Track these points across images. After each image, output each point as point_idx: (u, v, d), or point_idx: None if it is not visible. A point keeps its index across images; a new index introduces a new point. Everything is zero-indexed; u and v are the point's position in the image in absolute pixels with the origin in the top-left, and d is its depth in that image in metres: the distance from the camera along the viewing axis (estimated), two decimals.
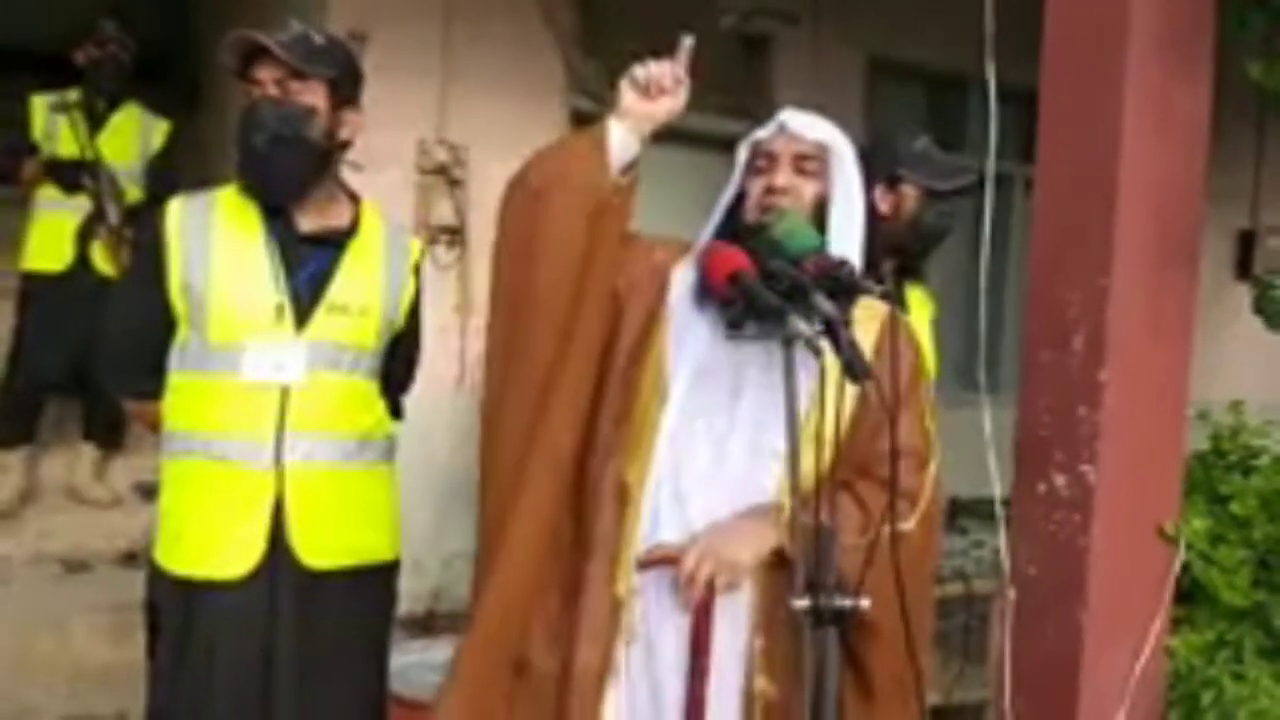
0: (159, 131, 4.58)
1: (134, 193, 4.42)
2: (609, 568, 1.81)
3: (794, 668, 1.72)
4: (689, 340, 1.84)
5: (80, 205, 4.30)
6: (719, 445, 1.81)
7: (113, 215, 4.30)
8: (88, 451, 4.45)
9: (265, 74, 2.13)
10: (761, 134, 1.91)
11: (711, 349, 1.83)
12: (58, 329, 4.20)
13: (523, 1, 4.81)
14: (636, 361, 1.85)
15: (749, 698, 1.80)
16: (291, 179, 2.16)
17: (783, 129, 1.89)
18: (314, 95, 2.15)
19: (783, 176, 1.85)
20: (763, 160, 1.88)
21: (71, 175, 4.29)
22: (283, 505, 2.13)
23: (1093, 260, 2.28)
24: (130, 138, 4.47)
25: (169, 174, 4.51)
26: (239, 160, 2.16)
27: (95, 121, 4.38)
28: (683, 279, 1.87)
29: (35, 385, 4.34)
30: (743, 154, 1.92)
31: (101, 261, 4.31)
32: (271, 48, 2.10)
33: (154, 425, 2.27)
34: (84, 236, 4.30)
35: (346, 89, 2.20)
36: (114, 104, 4.47)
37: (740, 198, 1.90)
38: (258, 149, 2.11)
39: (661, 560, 1.78)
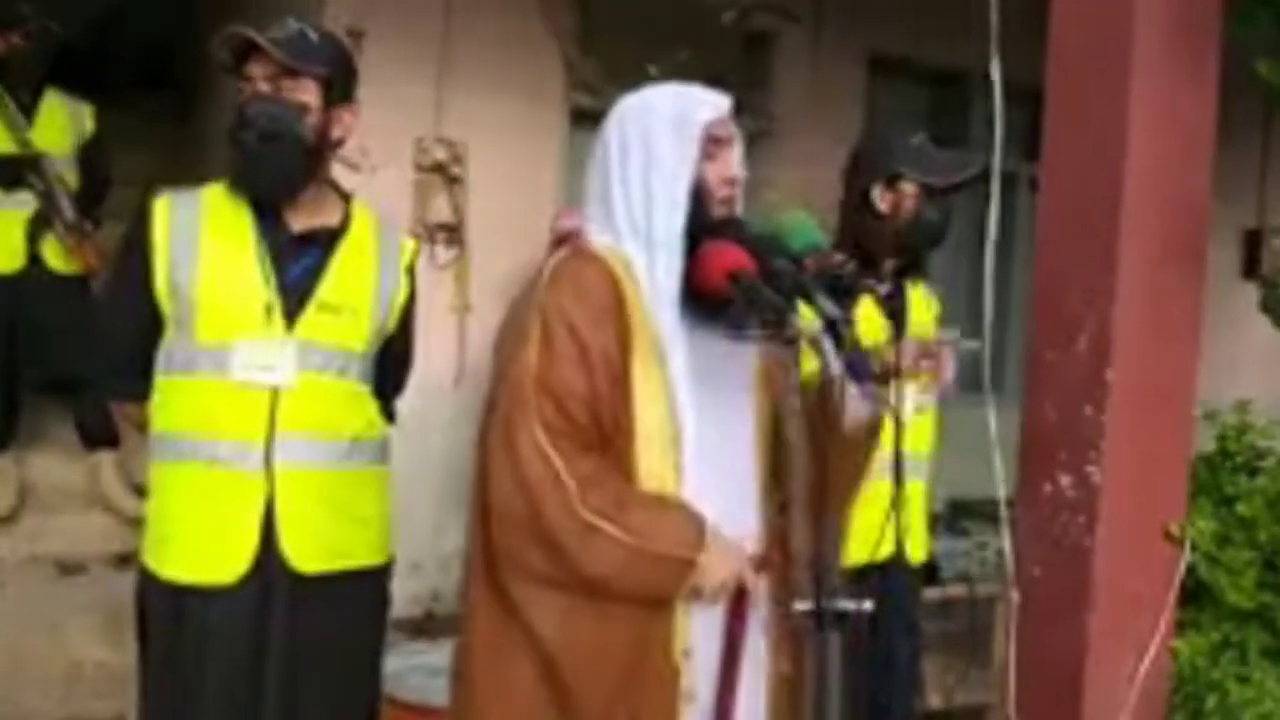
0: (88, 115, 4.41)
1: (70, 181, 4.28)
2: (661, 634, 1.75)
3: (799, 648, 1.77)
4: (681, 356, 1.74)
5: (23, 201, 4.16)
6: (726, 439, 1.79)
7: (68, 211, 4.19)
8: (106, 459, 4.38)
9: (257, 71, 2.10)
10: (710, 115, 1.79)
11: (696, 351, 1.78)
12: (19, 330, 4.12)
13: None
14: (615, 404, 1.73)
15: (771, 678, 1.82)
16: (281, 177, 2.14)
17: (729, 111, 1.80)
18: (306, 93, 2.12)
19: (738, 166, 1.79)
20: (713, 145, 1.77)
21: (9, 171, 4.14)
22: (273, 509, 2.10)
23: (1098, 259, 2.26)
24: (62, 126, 4.32)
25: (104, 159, 4.43)
26: (231, 156, 2.14)
27: (24, 113, 4.20)
28: (636, 291, 1.74)
29: (3, 388, 4.26)
30: (696, 133, 1.76)
31: (55, 259, 4.20)
32: (262, 44, 2.07)
33: (141, 427, 2.24)
34: (33, 234, 4.17)
35: (340, 87, 2.18)
36: (36, 92, 4.27)
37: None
38: (248, 146, 2.09)
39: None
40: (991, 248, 2.37)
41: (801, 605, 1.58)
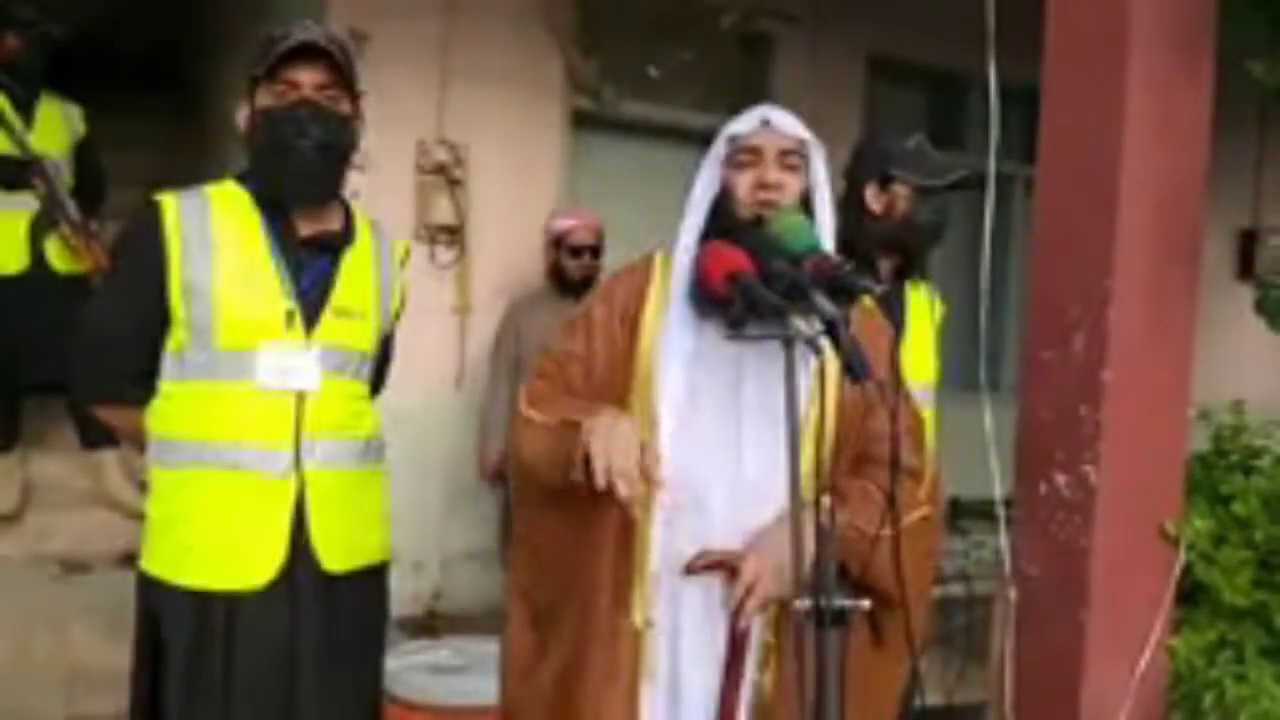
0: (79, 117, 4.41)
1: (69, 182, 4.28)
2: (622, 599, 1.81)
3: (793, 669, 1.75)
4: (676, 348, 1.84)
5: (25, 202, 4.15)
6: (730, 443, 1.82)
7: (71, 210, 4.18)
8: (110, 457, 4.38)
9: (307, 77, 2.08)
10: (741, 128, 1.90)
11: (706, 349, 1.83)
12: (22, 331, 4.10)
13: (522, 0, 4.81)
14: (615, 385, 1.85)
15: (753, 689, 1.84)
16: (325, 187, 2.15)
17: (766, 124, 1.89)
18: (346, 103, 2.13)
19: (773, 172, 1.85)
20: (746, 155, 1.88)
21: (11, 173, 4.13)
22: (304, 511, 2.10)
23: (1094, 260, 2.27)
24: (58, 128, 4.31)
25: (97, 159, 4.44)
26: (261, 160, 2.12)
27: (23, 114, 4.18)
28: (661, 291, 1.88)
29: (5, 389, 4.27)
30: (721, 149, 1.92)
31: (57, 259, 4.20)
32: (333, 53, 2.07)
33: (131, 434, 2.22)
34: (36, 235, 4.16)
35: (359, 98, 2.19)
36: (32, 94, 4.24)
37: (721, 194, 1.90)
38: (301, 154, 2.06)
39: (711, 566, 1.79)
40: (988, 248, 2.38)
41: (801, 603, 1.58)
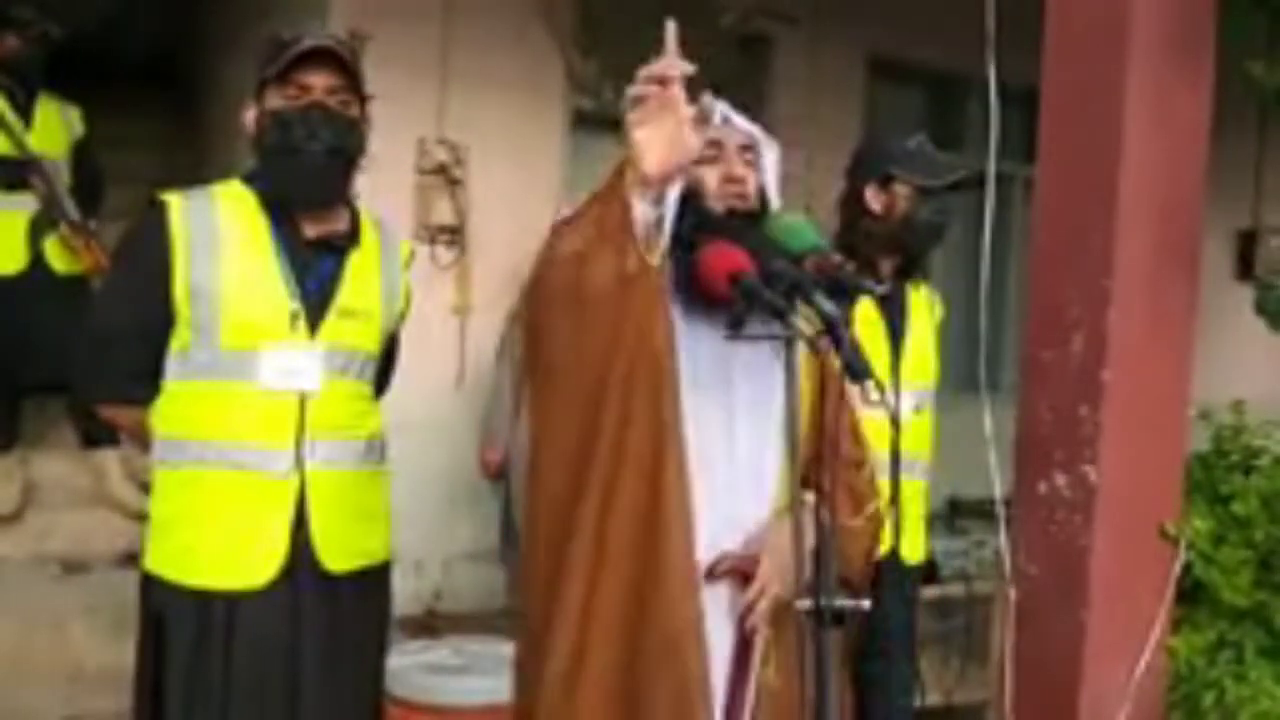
0: (77, 118, 4.41)
1: (67, 182, 4.28)
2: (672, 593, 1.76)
3: (793, 660, 1.74)
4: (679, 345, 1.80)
5: (24, 202, 4.15)
6: (725, 439, 1.81)
7: (71, 211, 4.18)
8: (111, 456, 4.38)
9: (319, 80, 2.08)
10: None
11: (701, 345, 1.80)
12: (21, 331, 4.10)
13: (522, 1, 4.81)
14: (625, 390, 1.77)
15: (755, 686, 1.82)
16: (334, 190, 2.15)
17: (726, 119, 1.88)
18: (356, 108, 2.14)
19: (738, 166, 1.84)
20: (709, 149, 1.83)
21: (10, 173, 4.13)
22: (305, 510, 2.11)
23: (1093, 260, 2.27)
24: (57, 128, 4.32)
25: (95, 160, 4.45)
26: (271, 161, 2.12)
27: (22, 115, 4.19)
28: None
29: (5, 389, 4.27)
30: None
31: (57, 259, 4.20)
32: (344, 57, 2.07)
33: (135, 433, 2.22)
34: (35, 235, 4.16)
35: (367, 102, 2.19)
36: (31, 95, 4.25)
37: (687, 190, 1.83)
38: (313, 158, 2.07)
39: (729, 571, 1.79)
40: (987, 249, 2.38)
41: (801, 603, 1.59)
